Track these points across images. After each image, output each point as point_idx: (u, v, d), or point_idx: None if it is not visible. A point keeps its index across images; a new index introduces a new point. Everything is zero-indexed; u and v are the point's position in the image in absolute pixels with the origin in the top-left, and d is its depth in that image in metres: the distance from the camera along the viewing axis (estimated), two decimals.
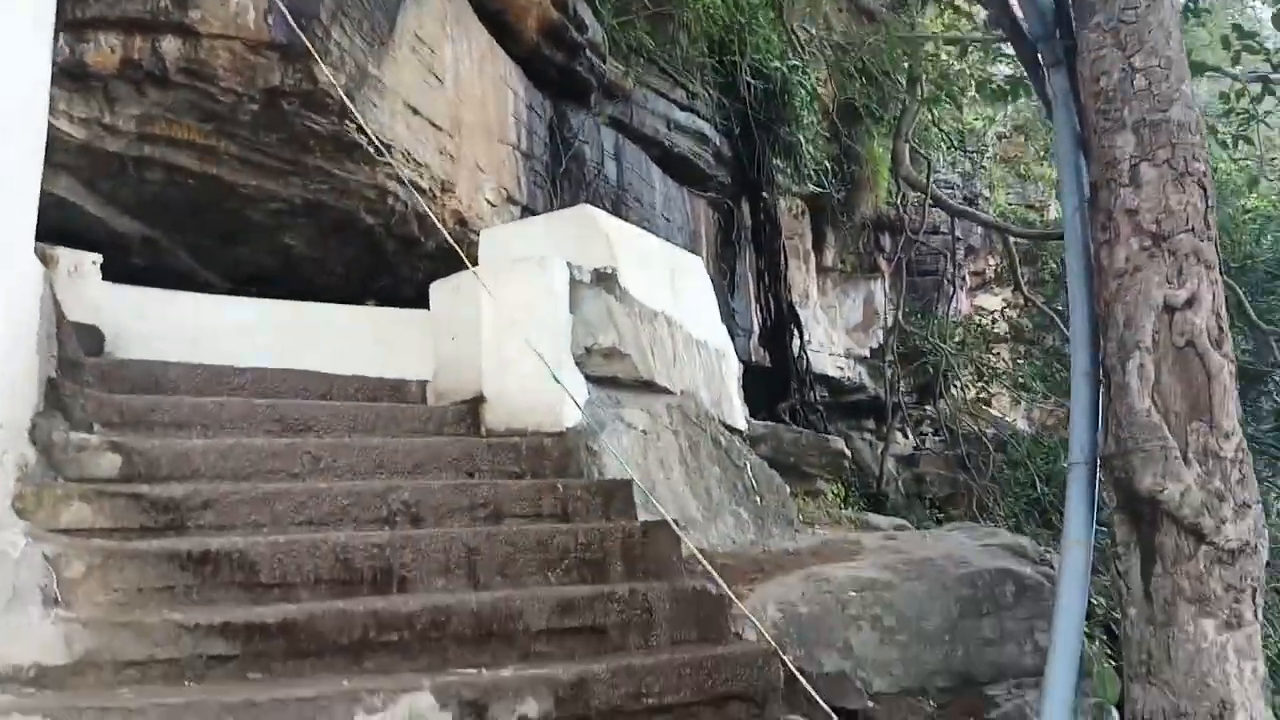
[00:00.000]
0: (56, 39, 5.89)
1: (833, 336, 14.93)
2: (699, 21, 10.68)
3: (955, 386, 14.23)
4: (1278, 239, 13.02)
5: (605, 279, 5.00)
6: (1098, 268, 3.20)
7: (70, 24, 5.36)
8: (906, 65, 12.87)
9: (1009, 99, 9.91)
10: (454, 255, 4.94)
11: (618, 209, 8.96)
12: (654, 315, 5.24)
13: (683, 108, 11.28)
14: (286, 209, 7.01)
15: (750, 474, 5.30)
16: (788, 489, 5.68)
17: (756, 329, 12.60)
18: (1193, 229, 3.10)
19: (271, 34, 5.48)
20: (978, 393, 14.26)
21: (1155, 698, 2.88)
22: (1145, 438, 2.98)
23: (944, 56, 12.95)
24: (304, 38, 5.23)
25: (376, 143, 6.56)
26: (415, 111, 7.19)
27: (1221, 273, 3.22)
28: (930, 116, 14.10)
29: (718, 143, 11.83)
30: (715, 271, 10.38)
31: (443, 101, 7.50)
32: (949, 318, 14.29)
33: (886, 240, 15.30)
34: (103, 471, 3.49)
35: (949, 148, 15.52)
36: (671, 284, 5.68)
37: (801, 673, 3.23)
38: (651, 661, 3.19)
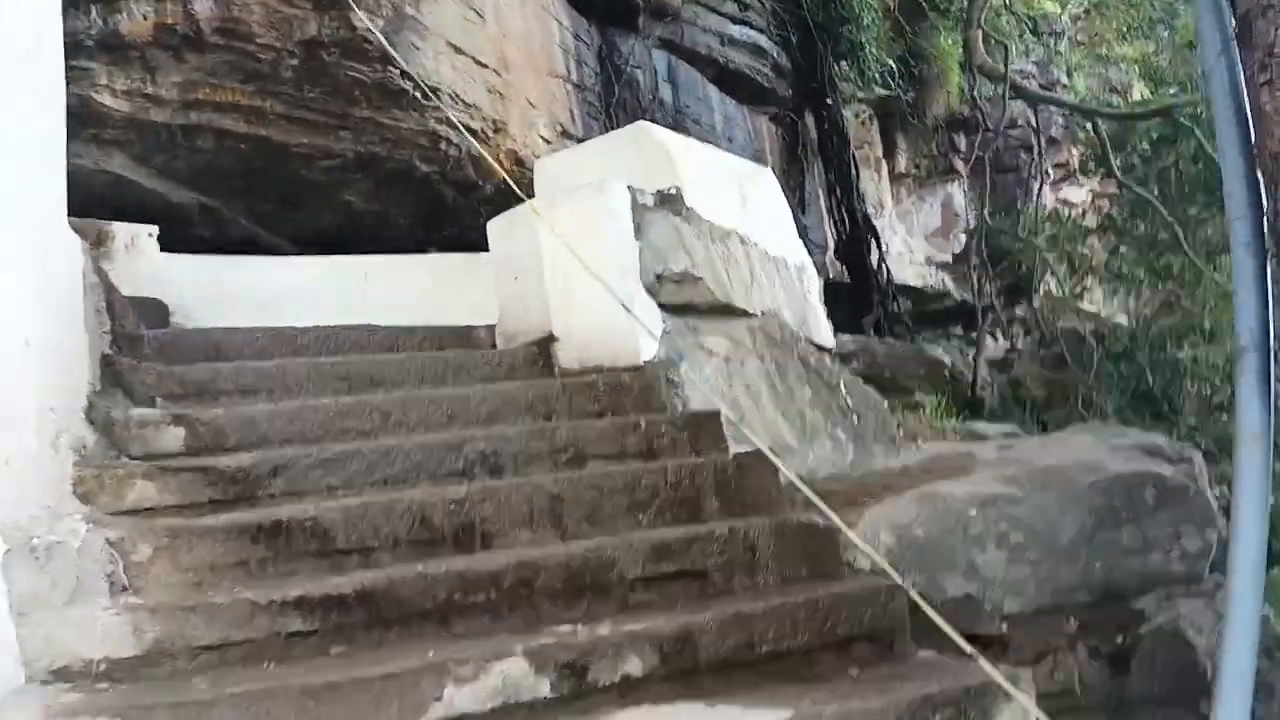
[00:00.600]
0: (89, 12, 5.79)
1: (911, 245, 14.45)
2: None
3: (1047, 284, 13.59)
4: None
5: (670, 200, 4.68)
6: (1259, 116, 2.68)
7: None
8: None
9: None
10: (514, 196, 4.69)
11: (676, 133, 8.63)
12: (725, 234, 4.91)
13: (736, 21, 10.80)
14: (340, 165, 6.94)
15: (844, 392, 4.97)
16: (885, 404, 5.33)
17: (831, 244, 12.21)
18: None
19: None
20: (1071, 288, 13.60)
21: None
22: None
23: None
24: None
25: (423, 86, 6.33)
26: (459, 51, 6.96)
27: None
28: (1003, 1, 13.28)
29: (775, 54, 11.33)
30: (784, 189, 10.02)
31: (485, 38, 7.23)
32: (1037, 213, 13.58)
33: (961, 139, 14.65)
34: (167, 446, 3.31)
35: (1023, 34, 14.65)
36: (741, 199, 5.33)
37: (926, 599, 2.91)
38: (761, 606, 2.91)
